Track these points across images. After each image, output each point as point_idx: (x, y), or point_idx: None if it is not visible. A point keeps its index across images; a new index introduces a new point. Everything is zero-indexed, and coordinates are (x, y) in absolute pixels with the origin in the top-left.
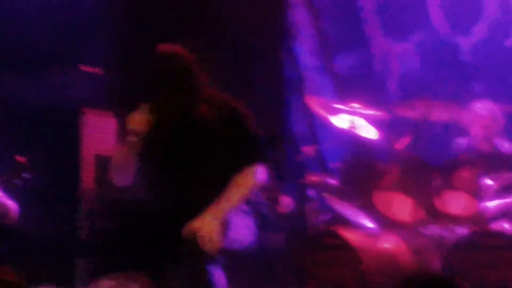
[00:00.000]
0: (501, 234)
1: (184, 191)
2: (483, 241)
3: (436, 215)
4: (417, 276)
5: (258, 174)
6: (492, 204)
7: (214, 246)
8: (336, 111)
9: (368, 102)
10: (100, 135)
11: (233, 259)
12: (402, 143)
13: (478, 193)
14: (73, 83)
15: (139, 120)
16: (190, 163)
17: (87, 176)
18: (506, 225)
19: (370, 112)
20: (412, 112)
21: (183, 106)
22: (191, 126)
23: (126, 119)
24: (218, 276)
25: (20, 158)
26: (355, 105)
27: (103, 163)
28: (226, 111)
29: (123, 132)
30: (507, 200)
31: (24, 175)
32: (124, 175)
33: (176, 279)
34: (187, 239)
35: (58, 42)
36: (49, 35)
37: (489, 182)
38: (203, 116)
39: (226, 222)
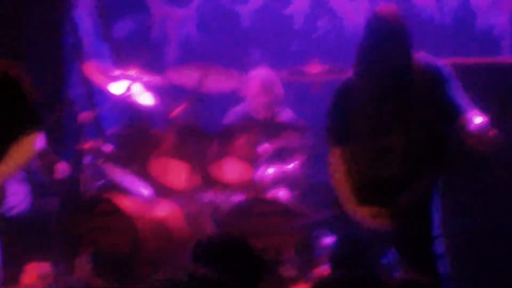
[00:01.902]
0: (274, 201)
1: None
2: (256, 208)
3: (212, 182)
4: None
5: (35, 141)
6: (268, 171)
7: None
8: (114, 77)
9: (146, 68)
10: None
11: (8, 225)
12: (178, 110)
13: (255, 161)
14: None
15: None
16: None
17: None
18: (281, 192)
19: (147, 78)
20: (189, 79)
21: None
22: None
23: None
24: None
25: None
26: (132, 71)
27: None
28: (2, 77)
29: None
30: (284, 167)
31: None
32: None
33: None
34: None
35: None
36: None
37: (265, 149)
38: None
39: (2, 189)
